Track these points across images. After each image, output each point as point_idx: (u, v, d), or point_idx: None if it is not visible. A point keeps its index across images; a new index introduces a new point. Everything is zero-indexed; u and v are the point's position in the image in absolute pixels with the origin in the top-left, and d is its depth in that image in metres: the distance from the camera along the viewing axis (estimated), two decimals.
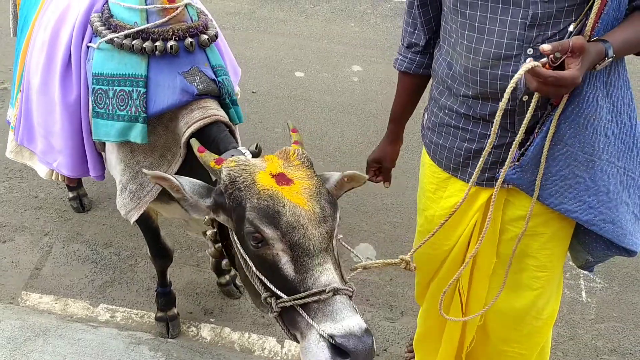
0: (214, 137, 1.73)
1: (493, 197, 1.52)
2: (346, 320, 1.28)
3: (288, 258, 1.37)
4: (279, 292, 1.37)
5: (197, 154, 1.56)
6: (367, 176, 1.62)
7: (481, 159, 1.46)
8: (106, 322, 2.54)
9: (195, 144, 1.58)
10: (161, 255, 2.40)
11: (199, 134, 1.74)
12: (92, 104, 1.88)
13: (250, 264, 1.43)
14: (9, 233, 2.98)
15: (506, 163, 1.46)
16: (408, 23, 1.71)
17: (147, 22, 1.78)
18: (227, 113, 1.91)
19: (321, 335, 1.28)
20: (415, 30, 1.69)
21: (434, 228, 1.67)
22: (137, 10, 1.79)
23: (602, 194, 1.48)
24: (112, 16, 1.86)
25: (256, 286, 1.43)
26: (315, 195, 1.43)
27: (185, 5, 1.84)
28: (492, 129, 1.38)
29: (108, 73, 1.84)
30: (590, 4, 1.33)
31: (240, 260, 1.48)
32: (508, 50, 1.41)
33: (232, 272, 2.65)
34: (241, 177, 1.43)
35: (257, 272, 1.42)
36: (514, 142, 1.42)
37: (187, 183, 1.51)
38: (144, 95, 1.78)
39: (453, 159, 1.64)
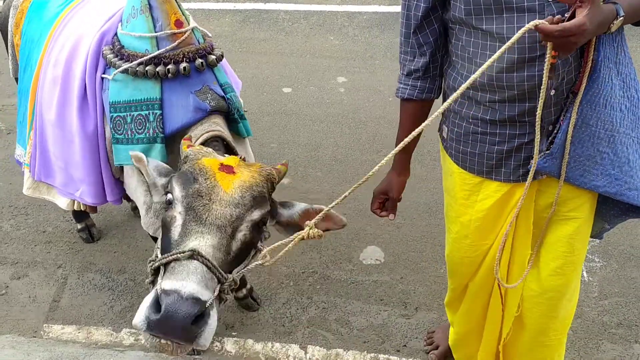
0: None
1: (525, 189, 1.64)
2: (182, 281, 1.32)
3: (181, 221, 1.47)
4: (158, 254, 1.46)
5: (182, 143, 1.72)
6: (345, 220, 1.67)
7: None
8: (131, 346, 2.59)
9: (185, 143, 1.72)
10: None
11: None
12: (112, 132, 1.97)
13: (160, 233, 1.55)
14: (22, 269, 3.01)
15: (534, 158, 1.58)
16: (407, 52, 1.74)
17: (158, 48, 1.89)
18: (235, 127, 2.02)
19: (156, 289, 1.34)
20: (415, 58, 1.73)
21: (472, 232, 1.79)
22: (147, 39, 1.89)
23: (624, 165, 1.61)
24: (123, 47, 1.96)
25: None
26: (245, 187, 1.53)
27: (192, 29, 1.94)
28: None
29: (124, 100, 1.94)
30: None
31: None
32: (531, 53, 1.50)
33: (249, 285, 2.73)
34: (193, 155, 1.59)
35: (160, 239, 1.52)
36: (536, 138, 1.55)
37: (153, 162, 1.68)
38: (160, 117, 1.89)
39: (485, 162, 1.72)
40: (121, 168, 2.06)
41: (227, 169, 1.56)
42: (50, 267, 3.03)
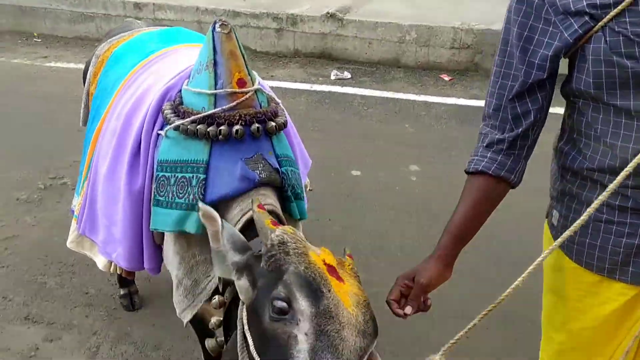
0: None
1: None
2: None
3: (308, 347, 1.15)
4: None
5: (255, 209, 1.40)
6: None
7: None
8: None
9: (256, 202, 1.43)
10: None
11: (249, 223, 1.59)
12: (154, 192, 1.79)
13: (250, 342, 1.22)
14: (57, 331, 2.83)
15: None
16: (494, 126, 1.45)
17: (215, 107, 1.71)
18: (288, 206, 1.79)
19: None
20: (504, 132, 1.44)
21: (582, 344, 1.46)
22: (206, 96, 1.73)
23: None
24: (181, 103, 1.82)
25: None
26: (362, 305, 1.26)
27: (256, 91, 1.78)
28: None
29: (172, 159, 1.76)
30: None
31: (239, 338, 1.28)
32: None
33: None
34: (294, 244, 1.28)
35: (254, 353, 1.20)
36: None
37: (229, 230, 1.41)
38: (203, 182, 1.68)
39: (609, 258, 1.42)
40: (162, 233, 1.87)
41: (335, 274, 1.27)
42: (86, 332, 2.84)
